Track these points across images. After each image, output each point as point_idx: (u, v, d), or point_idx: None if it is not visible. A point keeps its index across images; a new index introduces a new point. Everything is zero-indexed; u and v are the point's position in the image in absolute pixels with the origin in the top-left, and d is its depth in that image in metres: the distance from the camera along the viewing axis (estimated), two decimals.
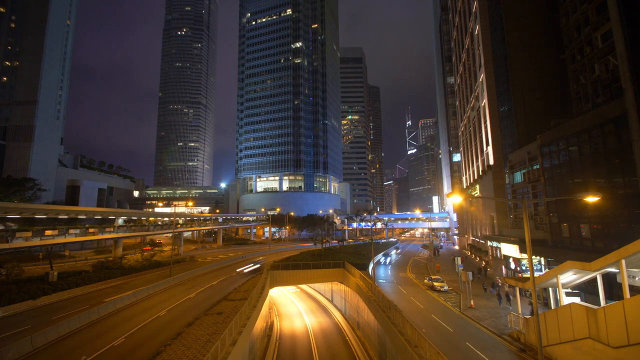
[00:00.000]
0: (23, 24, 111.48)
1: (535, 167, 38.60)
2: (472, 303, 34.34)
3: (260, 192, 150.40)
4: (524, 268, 39.35)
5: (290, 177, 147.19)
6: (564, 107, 40.53)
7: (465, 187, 79.11)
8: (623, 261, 17.16)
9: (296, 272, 42.37)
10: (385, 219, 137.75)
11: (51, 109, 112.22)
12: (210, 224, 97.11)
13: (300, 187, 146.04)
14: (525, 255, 37.29)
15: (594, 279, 21.57)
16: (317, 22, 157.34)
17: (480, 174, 61.36)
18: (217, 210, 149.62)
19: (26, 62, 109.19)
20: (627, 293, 17.44)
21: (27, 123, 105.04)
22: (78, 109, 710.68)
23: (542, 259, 36.60)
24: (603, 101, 30.57)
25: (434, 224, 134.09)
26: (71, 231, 46.19)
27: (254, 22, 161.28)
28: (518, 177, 43.93)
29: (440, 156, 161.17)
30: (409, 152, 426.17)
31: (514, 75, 46.25)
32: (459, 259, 44.16)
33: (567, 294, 25.98)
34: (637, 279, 21.32)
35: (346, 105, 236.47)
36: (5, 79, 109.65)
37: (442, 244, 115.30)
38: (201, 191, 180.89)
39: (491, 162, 52.90)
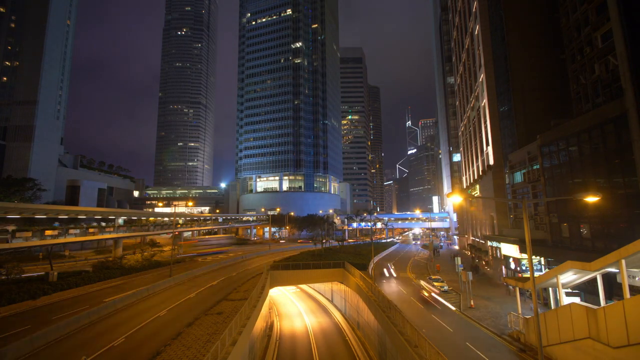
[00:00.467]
0: (23, 24, 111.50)
1: (535, 167, 38.60)
2: (472, 303, 34.34)
3: (260, 192, 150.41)
4: (524, 268, 39.34)
5: (290, 177, 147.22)
6: (564, 107, 40.50)
7: (465, 187, 79.10)
8: (623, 261, 17.17)
9: (296, 272, 42.38)
10: (385, 219, 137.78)
11: (51, 109, 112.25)
12: (210, 224, 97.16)
13: (300, 187, 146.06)
14: (525, 255, 37.29)
15: (594, 279, 21.57)
16: (317, 22, 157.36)
17: (480, 174, 61.36)
18: (217, 210, 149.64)
19: (26, 62, 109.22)
20: (627, 293, 17.44)
21: (27, 123, 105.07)
22: (78, 109, 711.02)
23: (542, 259, 36.59)
24: (603, 101, 30.58)
25: (434, 224, 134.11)
26: (71, 231, 46.21)
27: (254, 22, 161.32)
28: (518, 177, 43.92)
29: (440, 156, 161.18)
30: (409, 152, 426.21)
31: (514, 75, 46.23)
32: (459, 259, 44.15)
33: (567, 294, 25.98)
34: (637, 279, 21.32)
35: (346, 105, 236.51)
36: (5, 79, 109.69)
37: (442, 244, 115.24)
38: (201, 191, 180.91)
39: (491, 162, 52.90)
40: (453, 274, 50.20)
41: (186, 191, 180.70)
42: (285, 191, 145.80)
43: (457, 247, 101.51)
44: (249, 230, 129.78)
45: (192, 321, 24.76)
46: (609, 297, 23.51)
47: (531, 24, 46.26)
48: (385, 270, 56.66)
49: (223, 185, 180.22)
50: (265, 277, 36.15)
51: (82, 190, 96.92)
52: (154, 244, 71.54)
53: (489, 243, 51.72)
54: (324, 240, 69.79)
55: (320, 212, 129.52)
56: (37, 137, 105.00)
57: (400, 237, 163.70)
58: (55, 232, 43.49)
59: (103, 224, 61.29)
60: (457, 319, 30.85)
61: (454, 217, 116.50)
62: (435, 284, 42.10)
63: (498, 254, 46.18)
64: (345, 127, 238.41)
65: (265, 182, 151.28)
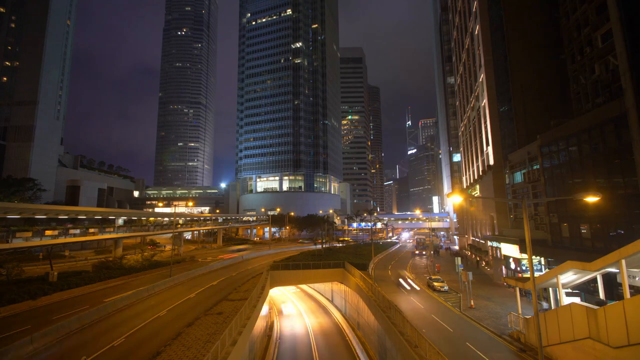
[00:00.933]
0: (23, 24, 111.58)
1: (535, 167, 38.60)
2: (472, 303, 34.34)
3: (260, 192, 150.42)
4: (524, 268, 39.34)
5: (290, 177, 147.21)
6: (564, 107, 40.49)
7: (465, 187, 79.09)
8: (623, 261, 17.15)
9: (296, 272, 42.38)
10: (385, 219, 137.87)
11: (51, 109, 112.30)
12: (210, 224, 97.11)
13: (300, 187, 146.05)
14: (525, 255, 37.29)
15: (594, 279, 21.56)
16: (317, 22, 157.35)
17: (480, 174, 61.35)
18: (217, 211, 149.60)
19: (26, 62, 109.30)
20: (627, 293, 17.43)
21: (27, 123, 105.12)
22: (78, 109, 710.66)
23: (542, 259, 36.59)
24: (603, 101, 30.57)
25: (434, 224, 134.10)
26: (71, 231, 46.21)
27: (254, 22, 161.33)
28: (518, 177, 43.92)
29: (440, 156, 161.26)
30: (409, 152, 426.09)
31: (514, 75, 46.22)
32: (459, 259, 44.16)
33: (567, 294, 25.97)
34: (637, 279, 21.31)
35: (346, 105, 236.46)
36: (5, 79, 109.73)
37: (442, 244, 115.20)
38: (201, 191, 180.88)
39: (491, 162, 52.90)
40: (453, 274, 50.20)
41: (186, 191, 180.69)
42: (285, 191, 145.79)
43: (457, 247, 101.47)
44: (249, 231, 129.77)
45: (192, 321, 24.76)
46: (609, 297, 23.50)
47: (531, 24, 46.25)
48: (385, 270, 56.62)
49: (223, 185, 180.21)
50: (265, 277, 36.15)
51: (82, 190, 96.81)
52: (154, 244, 71.56)
53: (489, 243, 51.72)
54: (324, 241, 69.73)
55: (320, 212, 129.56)
56: (37, 137, 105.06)
57: (400, 237, 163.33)
58: (55, 232, 43.48)
59: (104, 225, 61.29)
60: (457, 318, 30.84)
61: (454, 217, 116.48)
62: (436, 284, 42.13)
63: (498, 254, 46.18)
64: (345, 127, 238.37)
65: (265, 182, 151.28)
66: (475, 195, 67.73)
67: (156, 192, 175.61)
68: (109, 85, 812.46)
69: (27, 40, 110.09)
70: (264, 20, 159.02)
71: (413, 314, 31.44)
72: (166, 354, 18.87)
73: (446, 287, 41.55)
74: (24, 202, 66.37)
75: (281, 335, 37.21)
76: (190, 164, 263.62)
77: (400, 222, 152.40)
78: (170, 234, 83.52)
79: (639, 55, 25.15)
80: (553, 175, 34.91)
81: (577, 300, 25.18)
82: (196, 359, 18.05)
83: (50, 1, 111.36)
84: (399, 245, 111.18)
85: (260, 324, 30.04)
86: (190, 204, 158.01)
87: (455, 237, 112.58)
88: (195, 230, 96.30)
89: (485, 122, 55.96)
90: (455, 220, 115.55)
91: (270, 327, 38.52)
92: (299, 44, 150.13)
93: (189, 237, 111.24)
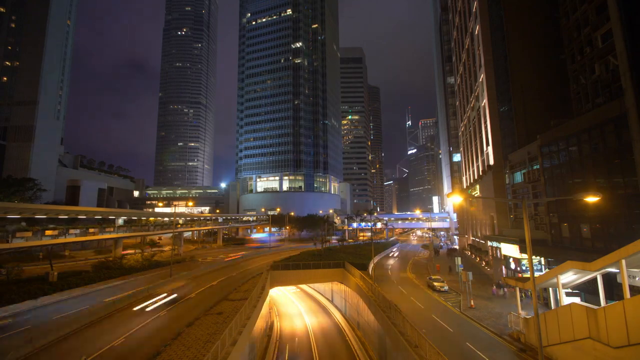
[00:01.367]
0: (23, 24, 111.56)
1: (535, 167, 38.59)
2: (472, 303, 34.33)
3: (260, 192, 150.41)
4: (524, 268, 39.32)
5: (290, 177, 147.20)
6: (564, 107, 40.47)
7: (465, 187, 79.08)
8: (623, 261, 17.15)
9: (296, 272, 42.37)
10: (385, 219, 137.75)
11: (51, 109, 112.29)
12: (210, 224, 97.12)
13: (300, 187, 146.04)
14: (525, 255, 37.28)
15: (594, 279, 21.56)
16: (317, 22, 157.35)
17: (480, 174, 61.34)
18: (217, 210, 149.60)
19: (26, 62, 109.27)
20: (627, 293, 17.42)
21: (27, 123, 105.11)
22: (78, 109, 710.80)
23: (542, 259, 36.57)
24: (603, 101, 30.57)
25: (434, 224, 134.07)
26: (71, 231, 46.21)
27: (254, 22, 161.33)
28: (518, 177, 43.91)
29: (440, 156, 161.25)
30: (409, 152, 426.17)
31: (514, 75, 46.22)
32: (459, 259, 44.15)
33: (567, 294, 25.97)
34: (637, 279, 21.30)
35: (346, 105, 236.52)
36: (5, 79, 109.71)
37: (442, 244, 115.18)
38: (201, 191, 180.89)
39: (491, 162, 52.90)
40: (453, 274, 50.19)
41: (186, 191, 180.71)
42: (285, 191, 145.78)
43: (457, 247, 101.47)
44: (249, 230, 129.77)
45: (192, 321, 24.76)
46: (609, 297, 23.50)
47: (531, 24, 46.24)
48: (385, 270, 56.58)
49: (223, 185, 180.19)
50: (265, 277, 36.15)
51: (82, 190, 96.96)
52: (154, 244, 71.56)
53: (489, 243, 51.71)
54: (324, 241, 69.75)
55: (320, 212, 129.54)
56: (37, 137, 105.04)
57: (400, 237, 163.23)
58: (55, 232, 43.50)
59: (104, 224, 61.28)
60: (457, 318, 30.84)
61: (454, 217, 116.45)
62: (436, 284, 42.12)
63: (498, 254, 46.17)
64: (345, 127, 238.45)
65: (265, 182, 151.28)
66: (475, 195, 67.73)
67: (156, 192, 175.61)
68: (109, 85, 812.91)
69: (27, 40, 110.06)
70: (264, 20, 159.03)
71: (413, 314, 31.45)
72: (166, 354, 18.87)
73: (446, 287, 41.54)
74: (24, 202, 66.38)
75: (281, 335, 37.21)
76: (190, 164, 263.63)
77: (400, 222, 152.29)
78: (171, 234, 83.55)
79: (639, 55, 25.15)
80: (553, 175, 34.90)
81: (577, 300, 25.19)
82: (196, 359, 18.05)
83: (50, 1, 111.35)
84: (398, 245, 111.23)
85: (260, 324, 30.03)
86: (190, 204, 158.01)
87: (455, 237, 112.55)
88: (195, 230, 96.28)
89: (485, 122, 55.97)
90: (455, 220, 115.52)
91: (270, 327, 38.51)
92: (299, 44, 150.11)
93: (188, 236, 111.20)
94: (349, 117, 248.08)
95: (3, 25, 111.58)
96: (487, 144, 55.12)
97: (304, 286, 60.17)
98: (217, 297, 32.51)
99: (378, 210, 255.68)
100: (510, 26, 47.25)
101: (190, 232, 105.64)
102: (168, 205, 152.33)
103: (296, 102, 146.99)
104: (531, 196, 39.62)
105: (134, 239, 75.83)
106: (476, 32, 59.52)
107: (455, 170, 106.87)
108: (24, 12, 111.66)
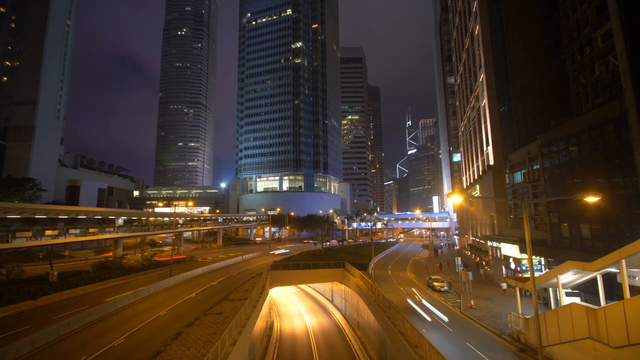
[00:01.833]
0: (23, 24, 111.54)
1: (535, 167, 38.60)
2: (472, 303, 34.34)
3: (260, 192, 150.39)
4: (524, 268, 39.33)
5: (290, 177, 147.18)
6: (564, 107, 40.49)
7: (465, 187, 79.08)
8: (623, 261, 17.15)
9: (296, 272, 42.36)
10: (385, 219, 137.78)
11: (51, 109, 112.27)
12: (210, 224, 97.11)
13: (300, 187, 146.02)
14: (525, 255, 37.29)
15: (594, 279, 21.56)
16: (317, 22, 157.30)
17: (480, 174, 61.35)
18: (217, 210, 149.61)
19: (26, 62, 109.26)
20: (627, 293, 17.42)
21: (27, 123, 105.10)
22: (78, 109, 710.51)
23: (542, 259, 36.58)
24: (603, 101, 30.57)
25: (434, 224, 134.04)
26: (71, 231, 46.19)
27: (254, 22, 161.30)
28: (518, 177, 43.92)
29: (440, 156, 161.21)
30: (409, 152, 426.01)
31: (514, 75, 46.23)
32: (459, 258, 44.15)
33: (567, 294, 25.97)
34: (637, 279, 21.30)
35: (346, 105, 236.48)
36: (5, 79, 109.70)
37: (442, 244, 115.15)
38: (201, 191, 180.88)
39: (491, 162, 52.90)
40: (453, 274, 50.19)
41: (186, 191, 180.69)
42: (285, 191, 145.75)
43: (457, 247, 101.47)
44: (249, 231, 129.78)
45: (192, 321, 24.74)
46: (609, 297, 23.49)
47: (531, 24, 46.26)
48: (385, 270, 56.51)
49: (223, 185, 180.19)
50: (265, 277, 36.15)
51: (82, 190, 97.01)
52: (154, 244, 71.56)
53: (489, 243, 51.72)
54: (324, 241, 69.76)
55: (320, 212, 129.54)
56: (37, 137, 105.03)
57: (399, 237, 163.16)
58: (55, 232, 43.48)
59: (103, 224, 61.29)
60: (457, 318, 30.84)
61: (454, 217, 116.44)
62: (436, 284, 42.14)
63: (498, 254, 46.18)
64: (345, 127, 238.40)
65: (265, 182, 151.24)
66: (475, 195, 67.73)
67: (156, 192, 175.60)
68: (109, 85, 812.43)
69: (27, 40, 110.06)
70: (264, 20, 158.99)
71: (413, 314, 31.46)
72: (166, 354, 18.86)
73: (446, 287, 41.56)
74: (24, 202, 66.38)
75: (281, 335, 37.19)
76: (190, 163, 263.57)
77: (400, 222, 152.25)
78: (171, 234, 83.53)
79: (639, 55, 25.15)
80: (553, 175, 34.91)
81: (577, 300, 25.20)
82: (196, 359, 18.04)
83: (50, 1, 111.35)
84: (398, 245, 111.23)
85: (260, 324, 30.03)
86: (190, 203, 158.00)
87: (455, 237, 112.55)
88: (195, 230, 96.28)
89: (485, 122, 55.97)
90: (455, 220, 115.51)
91: (270, 327, 38.49)
92: (299, 44, 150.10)
93: (188, 236, 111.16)
94: (349, 117, 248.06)
95: (3, 25, 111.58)
96: (487, 144, 55.12)
97: (304, 286, 60.15)
98: (217, 297, 32.50)
99: (378, 210, 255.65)
100: (510, 26, 47.26)
101: (190, 232, 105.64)
102: (168, 205, 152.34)
103: (296, 102, 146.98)
104: (531, 196, 39.62)
105: (134, 239, 75.87)
106: (476, 32, 59.53)
107: (455, 170, 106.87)
108: (24, 12, 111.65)
